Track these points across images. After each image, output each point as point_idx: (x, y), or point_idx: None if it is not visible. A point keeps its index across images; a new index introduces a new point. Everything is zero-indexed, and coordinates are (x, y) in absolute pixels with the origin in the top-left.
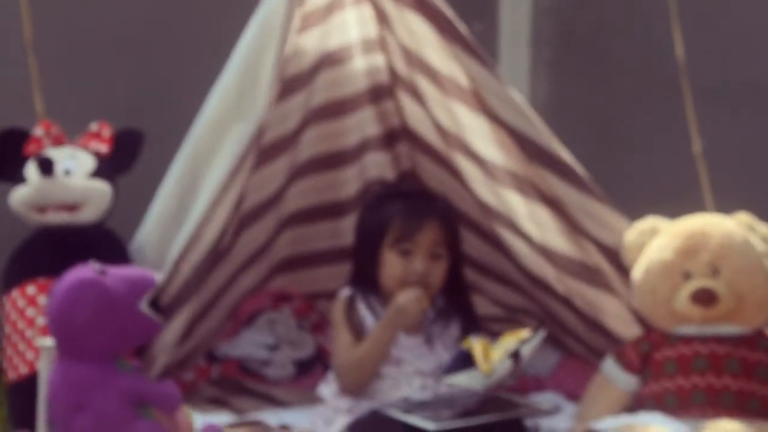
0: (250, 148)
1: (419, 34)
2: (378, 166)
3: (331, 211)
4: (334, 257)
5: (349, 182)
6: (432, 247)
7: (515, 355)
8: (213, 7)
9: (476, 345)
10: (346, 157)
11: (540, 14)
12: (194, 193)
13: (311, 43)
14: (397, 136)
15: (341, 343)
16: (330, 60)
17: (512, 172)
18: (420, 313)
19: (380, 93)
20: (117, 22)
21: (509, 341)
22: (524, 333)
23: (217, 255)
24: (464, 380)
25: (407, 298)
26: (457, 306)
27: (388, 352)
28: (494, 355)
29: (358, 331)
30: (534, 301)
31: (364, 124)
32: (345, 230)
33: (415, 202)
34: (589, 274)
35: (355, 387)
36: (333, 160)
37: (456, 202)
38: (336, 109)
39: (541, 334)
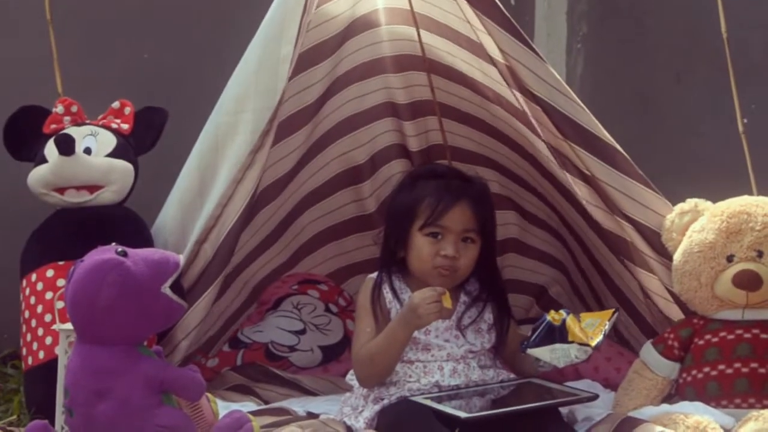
0: (270, 124)
1: (450, 9)
2: (394, 133)
3: (351, 176)
4: (357, 226)
5: (362, 147)
6: (463, 231)
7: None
8: None
9: (572, 319)
10: (365, 120)
11: None
12: (214, 172)
13: (340, 8)
14: (425, 108)
15: (360, 333)
16: (357, 26)
17: (552, 146)
18: (437, 313)
19: (407, 63)
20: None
21: (598, 320)
22: (607, 313)
23: (237, 235)
24: (548, 355)
25: (421, 297)
26: (489, 291)
27: (403, 349)
28: (589, 331)
29: (382, 318)
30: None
31: (387, 90)
32: (366, 196)
33: (447, 184)
34: (630, 254)
35: (370, 381)
36: (351, 124)
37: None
38: (359, 74)
39: (616, 316)
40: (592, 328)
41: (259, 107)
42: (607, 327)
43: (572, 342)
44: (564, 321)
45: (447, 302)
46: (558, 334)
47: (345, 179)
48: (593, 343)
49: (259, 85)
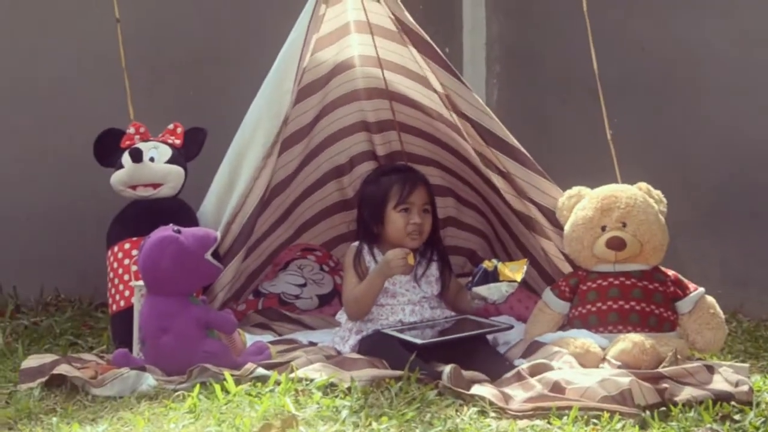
0: (277, 138)
1: (405, 55)
2: (365, 143)
3: (336, 173)
4: (341, 208)
5: (343, 153)
6: (423, 204)
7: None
8: (259, 35)
9: (501, 265)
10: (345, 134)
11: (492, 40)
12: (238, 173)
13: (327, 56)
14: (388, 125)
15: (347, 283)
16: (340, 68)
17: (477, 151)
18: (404, 267)
19: (374, 94)
20: (186, 47)
21: (517, 266)
22: (523, 262)
23: (256, 217)
24: (486, 292)
25: (393, 255)
26: (435, 251)
27: (379, 293)
28: (515, 274)
29: (362, 274)
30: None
31: (360, 112)
32: (346, 186)
33: (406, 174)
34: (534, 226)
35: (356, 316)
36: (335, 137)
37: (448, 169)
38: (341, 102)
39: (528, 264)
40: (514, 271)
41: (269, 126)
42: (524, 269)
43: (503, 281)
44: (495, 267)
45: (411, 260)
46: (491, 277)
47: (331, 175)
48: (519, 279)
49: (270, 111)
